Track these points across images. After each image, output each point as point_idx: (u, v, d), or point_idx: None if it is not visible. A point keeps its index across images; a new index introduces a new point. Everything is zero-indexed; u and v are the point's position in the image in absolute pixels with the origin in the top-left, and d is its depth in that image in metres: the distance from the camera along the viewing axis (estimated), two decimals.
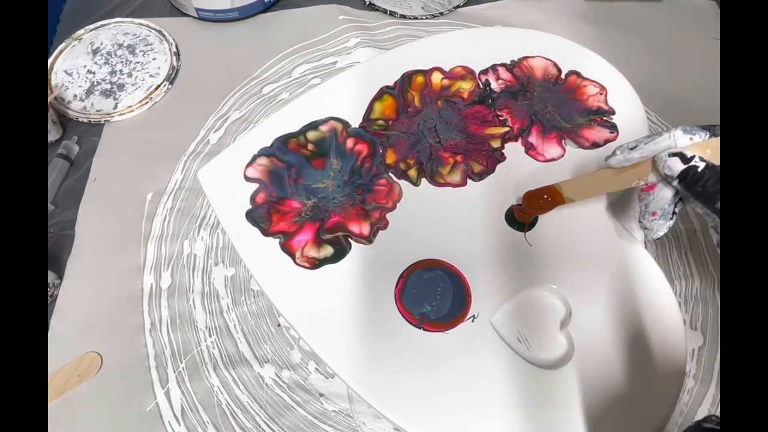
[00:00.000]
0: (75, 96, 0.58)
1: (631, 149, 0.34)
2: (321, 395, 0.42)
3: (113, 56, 0.61)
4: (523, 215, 0.39)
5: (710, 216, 0.31)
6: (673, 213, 0.33)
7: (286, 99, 0.58)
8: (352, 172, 0.41)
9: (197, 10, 0.63)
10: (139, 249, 0.49)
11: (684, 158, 0.31)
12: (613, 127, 0.43)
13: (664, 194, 0.33)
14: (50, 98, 0.55)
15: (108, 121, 0.57)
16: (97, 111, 0.57)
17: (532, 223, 0.39)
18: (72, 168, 0.54)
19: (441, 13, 0.65)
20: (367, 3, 0.65)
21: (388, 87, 0.45)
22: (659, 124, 0.54)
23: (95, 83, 0.59)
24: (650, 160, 0.33)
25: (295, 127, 0.43)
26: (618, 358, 0.34)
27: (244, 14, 0.64)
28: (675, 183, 0.31)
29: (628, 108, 0.44)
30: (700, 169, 0.30)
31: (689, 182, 0.30)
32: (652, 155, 0.33)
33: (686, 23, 0.63)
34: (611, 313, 0.35)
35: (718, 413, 0.25)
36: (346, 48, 0.62)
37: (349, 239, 0.38)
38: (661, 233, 0.34)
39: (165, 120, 0.57)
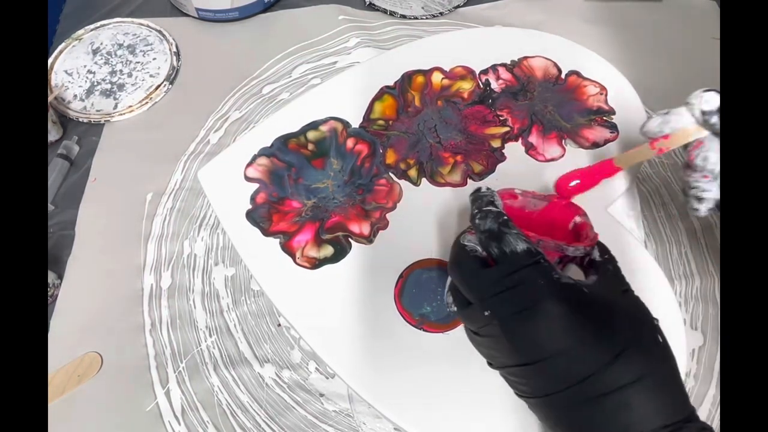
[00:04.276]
0: (75, 96, 0.58)
1: (666, 113, 0.33)
2: (321, 395, 0.42)
3: (113, 56, 0.61)
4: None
5: None
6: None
7: (286, 99, 0.58)
8: (352, 172, 0.41)
9: (197, 10, 0.63)
10: (139, 249, 0.49)
11: (719, 93, 0.30)
12: (613, 127, 0.43)
13: (715, 145, 0.32)
14: (50, 98, 0.55)
15: (108, 121, 0.57)
16: (97, 111, 0.57)
17: None
18: (72, 168, 0.54)
19: (441, 13, 0.65)
20: (367, 3, 0.65)
21: (388, 87, 0.45)
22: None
23: (95, 83, 0.59)
24: (689, 127, 0.32)
25: (295, 127, 0.43)
26: None
27: (244, 14, 0.64)
28: (713, 119, 0.31)
29: (628, 108, 0.44)
30: None
31: None
32: (687, 119, 0.32)
33: (686, 23, 0.63)
34: None
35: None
36: (346, 48, 0.62)
37: (349, 239, 0.38)
38: (714, 200, 0.33)
39: (165, 120, 0.57)
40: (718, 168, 0.32)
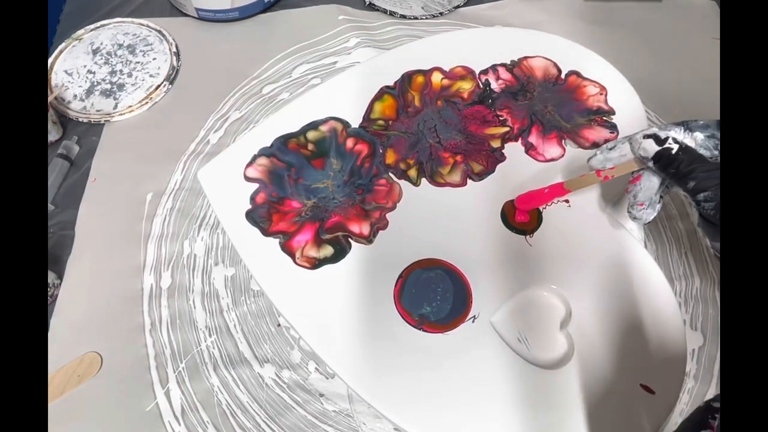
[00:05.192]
0: (75, 96, 0.58)
1: (610, 149, 0.35)
2: (321, 395, 0.42)
3: (113, 56, 0.61)
4: (519, 221, 0.39)
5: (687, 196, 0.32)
6: (660, 199, 0.34)
7: (286, 99, 0.58)
8: (352, 172, 0.41)
9: (197, 10, 0.63)
10: (139, 249, 0.49)
11: (658, 140, 0.32)
12: (613, 127, 0.43)
13: (651, 184, 0.33)
14: (50, 98, 0.55)
15: (108, 121, 0.57)
16: (97, 111, 0.57)
17: (534, 228, 0.39)
18: (72, 168, 0.54)
19: (441, 13, 0.65)
20: (367, 3, 0.65)
21: (388, 87, 0.45)
22: (659, 124, 0.54)
23: (95, 83, 0.59)
24: (632, 160, 0.34)
25: (295, 127, 0.43)
26: (618, 358, 0.34)
27: (244, 14, 0.64)
28: (650, 164, 0.32)
29: (628, 108, 0.44)
30: (673, 152, 0.31)
31: (663, 163, 0.31)
32: (630, 153, 0.34)
33: (686, 23, 0.63)
34: (611, 313, 0.35)
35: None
36: (346, 48, 0.62)
37: (349, 239, 0.38)
38: (650, 219, 0.34)
39: (165, 120, 0.57)
40: (649, 200, 0.34)
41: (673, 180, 0.32)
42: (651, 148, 0.32)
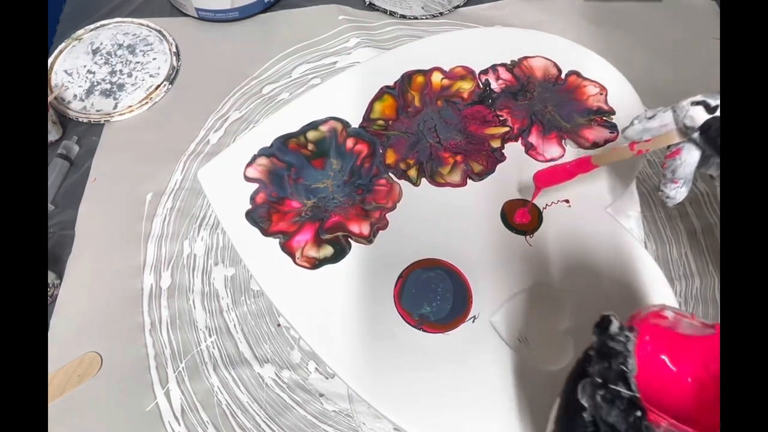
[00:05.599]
0: (75, 96, 0.58)
1: (650, 118, 0.31)
2: (321, 395, 0.42)
3: (113, 56, 0.61)
4: (520, 222, 0.39)
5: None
6: (693, 177, 0.31)
7: (286, 99, 0.58)
8: (352, 172, 0.41)
9: (197, 10, 0.63)
10: (139, 249, 0.49)
11: (708, 108, 0.28)
12: (613, 127, 0.43)
13: (692, 159, 0.30)
14: (50, 98, 0.55)
15: (108, 121, 0.57)
16: (97, 111, 0.57)
17: (535, 228, 0.39)
18: (72, 168, 0.54)
19: (441, 13, 0.65)
20: (367, 3, 0.65)
21: (388, 87, 0.45)
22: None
23: (95, 83, 0.59)
24: (672, 131, 0.31)
25: (295, 127, 0.43)
26: None
27: (244, 14, 0.64)
28: (695, 135, 0.29)
29: (628, 108, 0.44)
30: None
31: (712, 134, 0.28)
32: (671, 124, 0.30)
33: (686, 23, 0.63)
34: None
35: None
36: (346, 48, 0.62)
37: (349, 239, 0.38)
38: (681, 199, 0.32)
39: (165, 120, 0.57)
40: (686, 177, 0.31)
41: (720, 154, 0.28)
42: (699, 116, 0.28)
